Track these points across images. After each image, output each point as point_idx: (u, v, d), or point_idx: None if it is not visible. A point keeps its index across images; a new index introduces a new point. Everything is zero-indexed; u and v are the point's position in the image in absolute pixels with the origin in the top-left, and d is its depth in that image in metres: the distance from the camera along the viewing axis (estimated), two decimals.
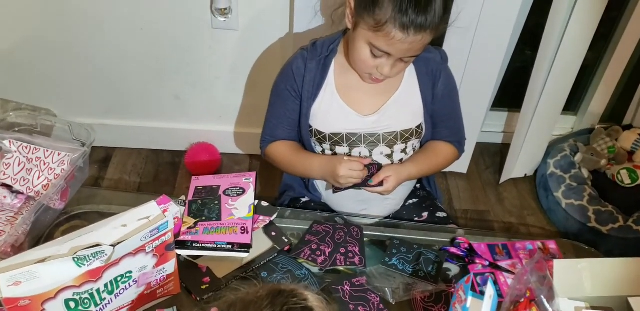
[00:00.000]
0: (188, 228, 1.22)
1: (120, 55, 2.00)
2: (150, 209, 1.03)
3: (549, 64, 1.93)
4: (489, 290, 0.94)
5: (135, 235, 0.97)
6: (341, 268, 1.24)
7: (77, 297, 0.95)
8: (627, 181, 2.13)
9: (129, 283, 1.02)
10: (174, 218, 1.19)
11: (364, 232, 1.32)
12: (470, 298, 0.92)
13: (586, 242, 1.38)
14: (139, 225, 0.99)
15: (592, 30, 1.90)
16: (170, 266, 1.08)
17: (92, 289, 0.96)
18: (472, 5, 1.79)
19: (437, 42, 1.79)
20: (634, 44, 2.15)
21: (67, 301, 0.95)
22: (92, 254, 0.93)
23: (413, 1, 1.13)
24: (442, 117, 1.44)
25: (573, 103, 2.40)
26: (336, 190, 1.37)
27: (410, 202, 1.56)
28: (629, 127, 2.26)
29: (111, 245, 0.94)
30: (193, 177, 1.38)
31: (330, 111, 1.38)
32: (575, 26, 1.84)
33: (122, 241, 0.95)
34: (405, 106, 1.39)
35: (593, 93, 2.30)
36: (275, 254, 1.24)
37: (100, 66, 2.03)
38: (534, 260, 1.07)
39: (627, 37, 2.12)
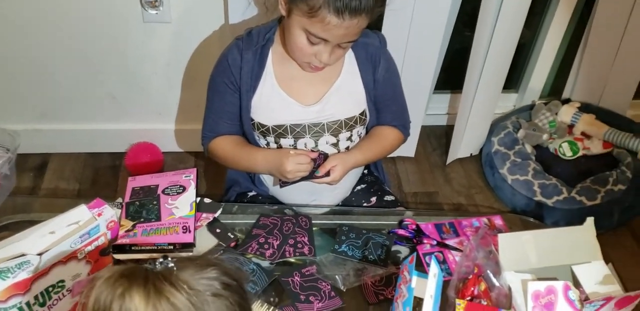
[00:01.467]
0: (126, 231, 1.17)
1: (48, 56, 1.91)
2: (80, 213, 0.98)
3: (487, 44, 1.94)
4: (433, 268, 0.93)
5: (63, 241, 0.92)
6: (291, 260, 1.21)
7: None
8: (569, 153, 2.17)
9: (62, 293, 0.97)
10: (111, 222, 1.15)
11: (315, 221, 1.30)
12: (414, 278, 0.91)
13: (533, 216, 1.40)
14: (68, 231, 0.94)
15: (526, 9, 1.92)
16: None
17: (20, 303, 0.90)
18: None
19: (375, 25, 1.77)
20: (566, 19, 2.19)
21: None
22: (16, 265, 0.87)
23: None
24: (385, 102, 1.43)
25: (513, 81, 2.44)
26: (283, 184, 1.34)
27: (359, 187, 1.55)
28: (568, 101, 2.30)
29: (38, 254, 0.89)
30: (129, 178, 1.32)
31: (271, 103, 1.35)
32: (509, 5, 1.86)
33: (49, 249, 0.90)
34: (347, 93, 1.37)
35: (532, 70, 2.34)
36: (221, 251, 1.20)
37: (27, 69, 1.94)
38: (479, 235, 1.06)
39: (560, 13, 2.16)
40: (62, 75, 1.97)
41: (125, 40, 1.90)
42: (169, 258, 0.69)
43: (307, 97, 1.35)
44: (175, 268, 0.68)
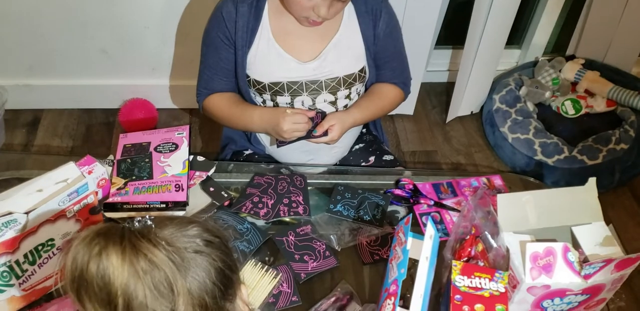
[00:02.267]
0: (117, 189, 1.15)
1: (38, 8, 1.85)
2: (69, 171, 0.95)
3: None
4: (429, 229, 0.91)
5: (51, 199, 0.89)
6: (286, 219, 1.20)
7: None
8: (572, 111, 2.14)
9: (52, 252, 0.95)
10: (102, 180, 1.13)
11: (310, 181, 1.28)
12: (410, 239, 0.89)
13: (534, 175, 1.38)
14: (56, 189, 0.92)
15: None
16: None
17: (9, 261, 0.89)
18: None
19: None
20: None
21: None
22: (3, 223, 0.85)
23: None
24: (385, 58, 1.38)
25: (516, 37, 2.37)
26: (280, 143, 1.31)
27: (357, 147, 1.52)
28: (572, 58, 2.24)
29: (25, 213, 0.87)
30: (121, 135, 1.29)
31: (267, 59, 1.30)
32: None
33: (37, 208, 0.88)
34: (346, 49, 1.32)
35: (536, 26, 2.27)
36: (215, 210, 1.19)
37: (16, 21, 1.88)
38: (477, 196, 1.04)
39: None
40: (50, 28, 1.91)
41: None
42: (147, 217, 0.67)
43: (304, 53, 1.30)
44: (153, 226, 0.66)
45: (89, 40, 1.95)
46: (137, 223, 0.66)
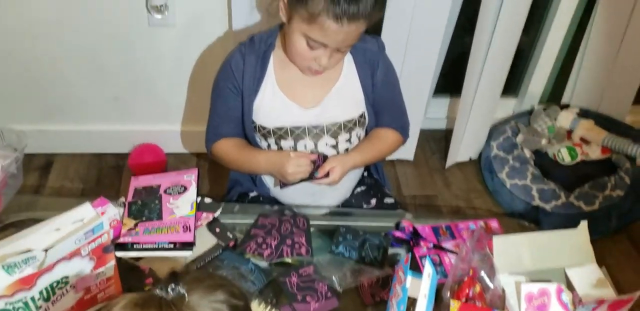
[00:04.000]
0: (128, 230, 1.19)
1: (55, 57, 1.94)
2: (85, 211, 1.00)
3: (485, 49, 1.96)
4: (427, 268, 0.94)
5: (68, 238, 0.94)
6: (289, 260, 1.23)
7: (10, 307, 0.91)
8: (568, 159, 2.19)
9: (66, 289, 0.99)
10: (113, 221, 1.17)
11: (313, 222, 1.32)
12: (409, 278, 0.93)
13: (532, 221, 1.42)
14: (72, 228, 0.96)
15: (525, 14, 1.94)
16: (109, 269, 1.05)
17: (25, 297, 0.92)
18: None
19: (374, 30, 1.80)
20: (566, 25, 2.21)
21: None
22: (22, 260, 0.89)
23: None
24: (384, 104, 1.45)
25: (513, 86, 2.45)
26: (284, 185, 1.37)
27: (359, 189, 1.57)
28: (566, 106, 2.31)
29: (43, 250, 0.91)
30: (132, 178, 1.35)
31: (272, 105, 1.37)
32: (507, 10, 1.88)
33: (54, 246, 0.92)
34: (346, 96, 1.39)
35: (531, 75, 2.35)
36: (220, 250, 1.22)
37: (34, 70, 1.97)
38: (474, 238, 1.08)
39: (560, 19, 2.18)
40: (68, 76, 1.99)
41: (131, 43, 1.93)
42: (180, 284, 0.72)
43: (307, 99, 1.38)
44: (186, 296, 0.71)
45: (104, 87, 2.04)
46: (171, 292, 0.70)
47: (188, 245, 1.18)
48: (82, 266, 0.99)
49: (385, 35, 1.88)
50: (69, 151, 2.19)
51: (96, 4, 1.82)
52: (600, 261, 1.08)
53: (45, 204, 1.41)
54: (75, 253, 0.97)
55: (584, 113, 2.27)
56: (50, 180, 2.09)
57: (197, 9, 1.85)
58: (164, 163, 2.15)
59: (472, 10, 1.99)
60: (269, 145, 1.43)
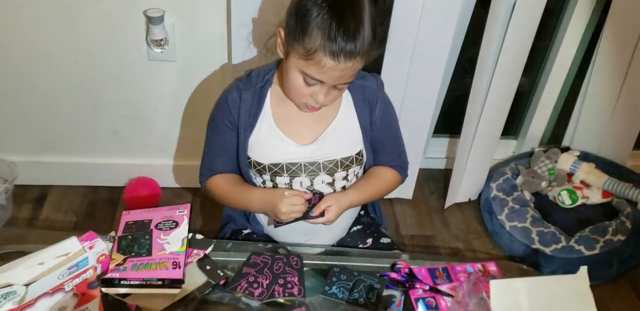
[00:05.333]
0: (116, 265, 1.16)
1: (54, 89, 1.95)
2: (71, 245, 0.98)
3: (485, 91, 1.97)
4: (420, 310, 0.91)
5: (51, 272, 0.91)
6: (280, 300, 1.19)
7: None
8: (568, 202, 2.17)
9: None
10: (102, 256, 1.15)
11: (307, 261, 1.29)
12: None
13: (531, 264, 1.39)
14: (56, 262, 0.94)
15: (524, 56, 1.96)
16: (94, 306, 1.02)
17: None
18: (406, 32, 1.83)
19: (374, 68, 1.81)
20: (566, 68, 2.23)
21: None
22: (2, 295, 0.87)
23: (341, 29, 1.14)
24: (382, 143, 1.44)
25: (513, 128, 2.46)
26: (277, 224, 1.34)
27: (355, 228, 1.54)
28: (567, 149, 2.31)
29: (24, 285, 0.88)
30: (124, 212, 1.32)
31: (268, 142, 1.36)
32: (507, 53, 1.90)
33: (37, 280, 0.90)
34: (343, 134, 1.38)
35: (531, 118, 2.36)
36: (210, 288, 1.19)
37: (33, 101, 1.97)
38: (471, 281, 1.05)
39: (560, 61, 2.20)
40: (66, 108, 2.00)
41: (129, 77, 1.93)
42: None
43: (303, 136, 1.37)
44: None
45: (100, 120, 2.04)
46: None
47: (177, 282, 1.15)
48: (65, 302, 0.97)
49: (385, 73, 1.90)
50: (63, 183, 2.18)
51: (96, 37, 1.84)
52: (601, 307, 1.04)
53: (36, 237, 1.38)
54: (59, 288, 0.94)
55: (584, 157, 2.26)
56: (43, 213, 2.07)
57: (197, 43, 1.87)
58: (159, 196, 2.13)
59: (472, 51, 2.02)
60: (264, 182, 1.41)
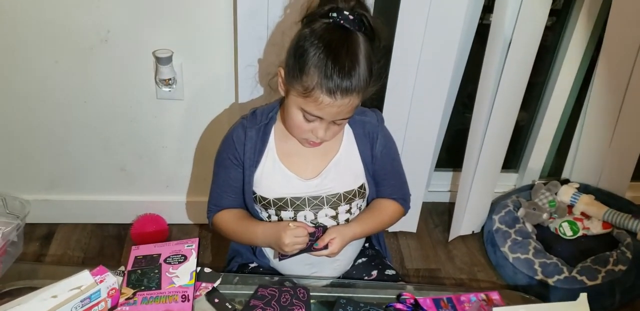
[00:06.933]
0: (126, 299, 1.18)
1: (64, 128, 1.98)
2: (83, 279, 1.01)
3: (484, 125, 2.02)
4: None
5: (64, 305, 0.94)
6: None
7: None
8: (569, 233, 2.19)
9: None
10: (112, 290, 1.17)
11: (314, 293, 1.30)
12: None
13: (536, 295, 1.39)
14: (69, 295, 0.96)
15: (522, 92, 2.01)
16: None
17: None
18: (406, 68, 1.88)
19: (375, 104, 1.86)
20: (563, 102, 2.27)
21: None
22: None
23: (337, 67, 1.18)
24: (384, 176, 1.47)
25: (513, 161, 2.49)
26: (282, 257, 1.36)
27: (360, 261, 1.56)
28: (567, 181, 2.33)
29: None
30: (133, 247, 1.35)
31: (272, 176, 1.40)
32: (505, 89, 1.95)
33: None
34: (346, 168, 1.42)
35: (531, 151, 2.39)
36: None
37: (42, 140, 2.01)
38: (474, 309, 1.07)
39: (557, 96, 2.25)
40: (74, 146, 2.03)
41: (138, 115, 1.97)
42: None
43: (306, 171, 1.40)
44: None
45: (110, 158, 2.07)
46: None
47: None
48: None
49: (387, 108, 1.94)
50: (71, 221, 2.20)
51: (106, 77, 1.88)
52: None
53: (45, 273, 1.40)
54: None
55: (584, 189, 2.29)
56: (51, 250, 2.08)
57: (205, 82, 1.92)
58: (166, 233, 2.15)
59: (472, 87, 2.07)
60: (269, 216, 1.44)
